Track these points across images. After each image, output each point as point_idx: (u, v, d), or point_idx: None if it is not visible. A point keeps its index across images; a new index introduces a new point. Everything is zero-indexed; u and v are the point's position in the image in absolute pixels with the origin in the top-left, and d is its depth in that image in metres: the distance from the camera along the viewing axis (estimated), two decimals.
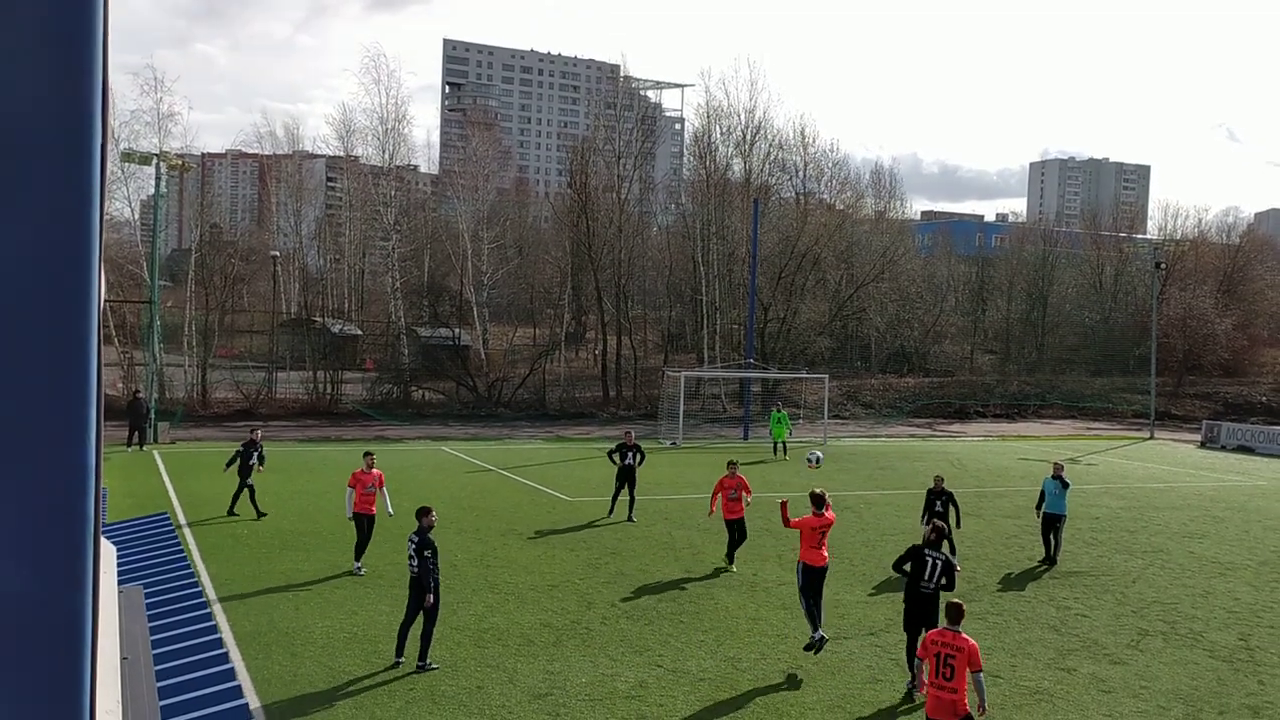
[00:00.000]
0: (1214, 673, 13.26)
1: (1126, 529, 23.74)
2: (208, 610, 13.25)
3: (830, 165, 69.59)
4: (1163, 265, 61.49)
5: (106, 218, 1.88)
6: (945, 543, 12.68)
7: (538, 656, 13.13)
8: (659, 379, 49.88)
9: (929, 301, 72.65)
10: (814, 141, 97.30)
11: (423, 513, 12.90)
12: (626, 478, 22.57)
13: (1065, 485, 19.51)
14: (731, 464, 19.30)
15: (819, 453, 20.91)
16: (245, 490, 21.52)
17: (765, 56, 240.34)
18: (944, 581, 11.98)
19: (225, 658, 11.13)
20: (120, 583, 8.42)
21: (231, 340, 56.94)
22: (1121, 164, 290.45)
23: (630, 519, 22.40)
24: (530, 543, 19.06)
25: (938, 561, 12.05)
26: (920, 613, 12.07)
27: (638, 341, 58.50)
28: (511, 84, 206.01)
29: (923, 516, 18.56)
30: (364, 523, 17.05)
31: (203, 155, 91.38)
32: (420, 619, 12.51)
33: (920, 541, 12.71)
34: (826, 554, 13.45)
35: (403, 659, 12.52)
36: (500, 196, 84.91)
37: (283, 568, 17.33)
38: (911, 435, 46.89)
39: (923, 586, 12.06)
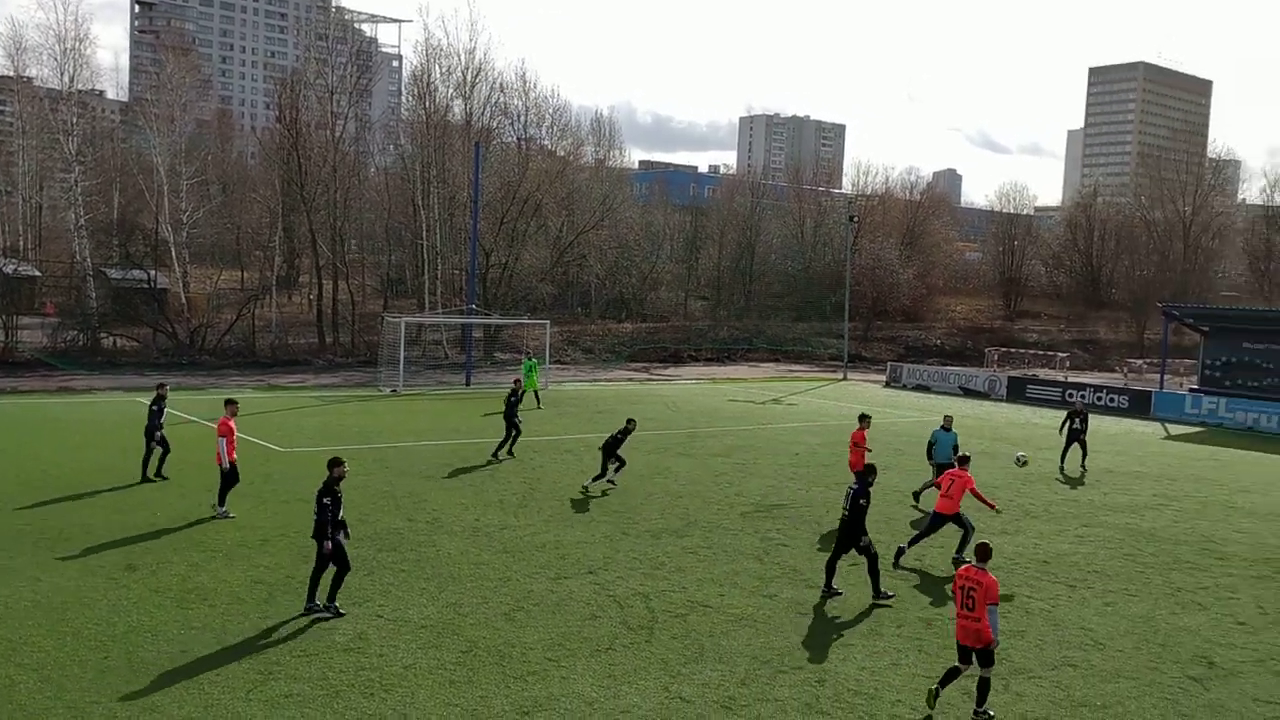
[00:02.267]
0: (893, 591, 14.64)
1: (823, 463, 25.65)
2: None
3: (551, 111, 69.78)
4: (855, 219, 66.23)
5: None
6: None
7: (249, 615, 12.56)
8: (378, 325, 48.54)
9: (646, 249, 74.73)
10: (535, 86, 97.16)
11: (334, 463, 12.82)
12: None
13: (952, 434, 20.76)
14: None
15: (1023, 455, 21.28)
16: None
17: None
18: (851, 508, 14.09)
19: None
20: None
21: None
22: (821, 122, 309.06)
23: None
24: (239, 497, 18.10)
25: (850, 489, 14.37)
26: (841, 535, 14.23)
27: (355, 286, 56.54)
28: (211, 6, 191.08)
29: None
30: (235, 468, 17.77)
31: None
32: (332, 568, 12.67)
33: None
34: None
35: (316, 604, 12.65)
36: (200, 129, 79.07)
37: None
38: (629, 379, 48.32)
39: (843, 513, 14.28)
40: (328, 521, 12.49)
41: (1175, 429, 37.80)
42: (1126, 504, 22.04)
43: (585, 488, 20.82)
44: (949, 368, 55.62)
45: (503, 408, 24.76)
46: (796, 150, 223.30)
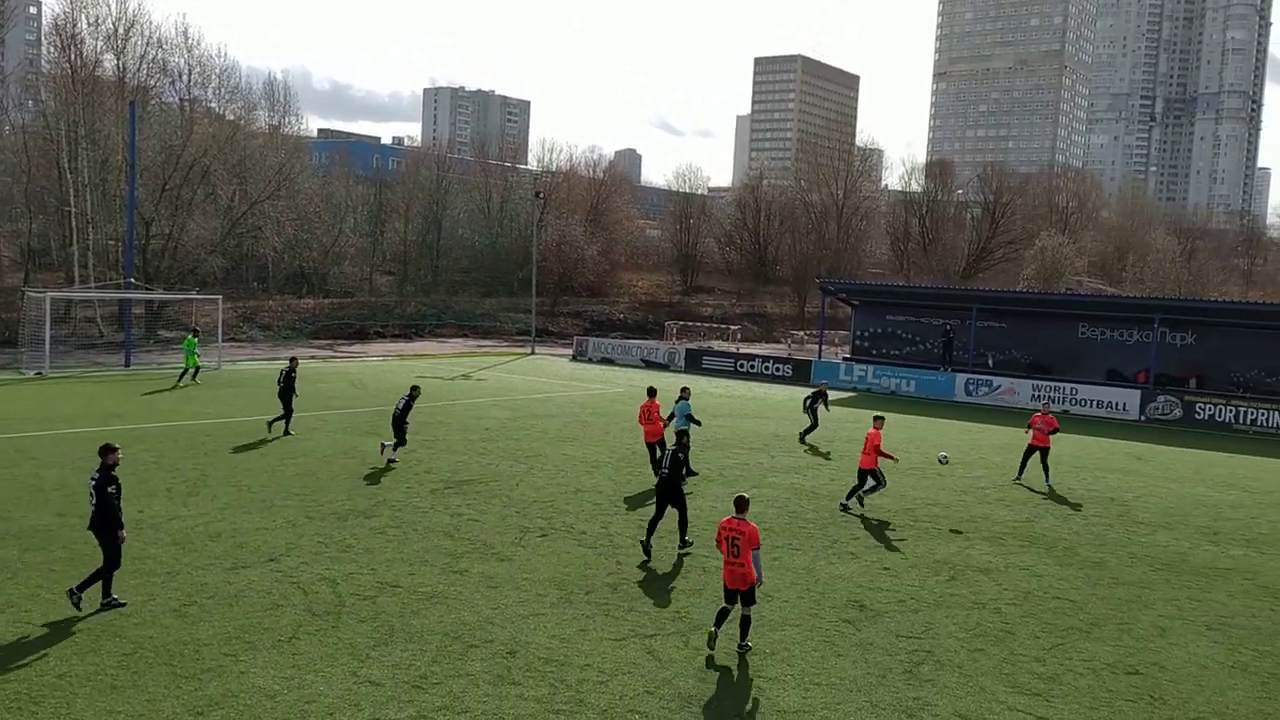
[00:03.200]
0: (582, 559, 15.07)
1: (512, 437, 25.88)
2: None
3: (218, 72, 65.17)
4: (541, 195, 67.03)
5: None
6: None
7: None
8: (19, 301, 43.51)
9: (328, 222, 71.79)
10: (199, 44, 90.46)
11: (108, 449, 12.28)
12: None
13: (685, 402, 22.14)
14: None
15: (945, 455, 22.49)
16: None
17: None
18: (668, 467, 15.49)
19: None
20: None
21: None
22: (507, 98, 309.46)
23: None
24: None
25: (668, 453, 15.83)
26: (659, 493, 15.54)
27: None
28: None
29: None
30: None
31: None
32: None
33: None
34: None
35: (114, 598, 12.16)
36: None
37: None
38: (312, 357, 46.37)
39: (661, 473, 15.75)
40: (119, 511, 12.10)
41: (832, 394, 41.30)
42: (791, 465, 23.88)
43: (389, 458, 21.54)
44: (632, 341, 57.71)
45: (277, 387, 25.03)
46: (483, 125, 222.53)
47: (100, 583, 12.11)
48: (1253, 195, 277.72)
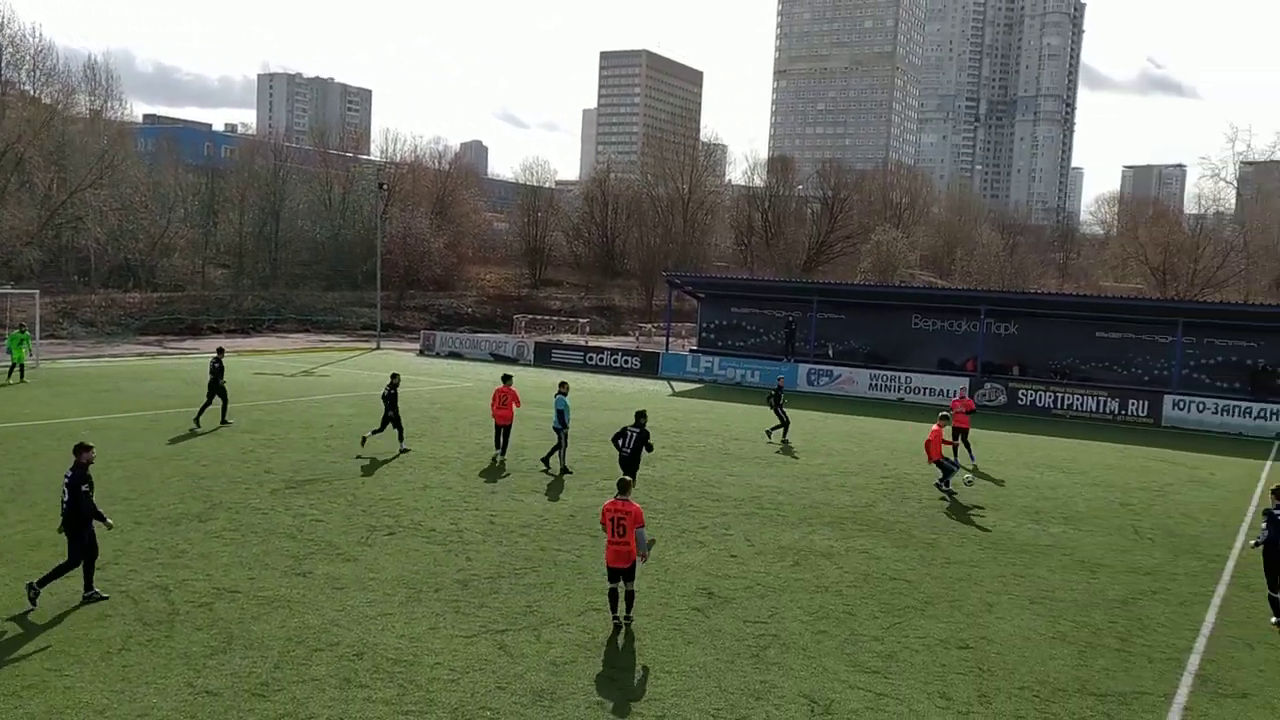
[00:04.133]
0: (431, 556, 14.85)
1: (356, 434, 25.20)
2: None
3: (32, 53, 61.18)
4: (385, 186, 65.58)
5: None
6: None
7: None
8: None
9: (155, 212, 68.40)
10: (10, 23, 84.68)
11: (83, 448, 12.55)
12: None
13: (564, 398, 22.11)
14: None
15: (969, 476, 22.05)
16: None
17: None
18: (634, 447, 18.40)
19: None
20: None
21: None
22: (347, 86, 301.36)
23: None
24: None
25: (632, 433, 18.49)
26: (625, 467, 18.24)
27: None
28: None
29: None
30: None
31: None
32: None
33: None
34: None
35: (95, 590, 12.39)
36: None
37: None
38: (140, 354, 44.14)
39: (622, 450, 18.44)
40: (93, 507, 12.31)
41: (680, 386, 41.97)
42: (641, 456, 24.07)
43: (402, 447, 22.87)
44: (480, 335, 57.17)
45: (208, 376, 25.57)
46: (322, 113, 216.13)
47: (55, 573, 12.25)
48: (1067, 193, 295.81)
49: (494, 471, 21.30)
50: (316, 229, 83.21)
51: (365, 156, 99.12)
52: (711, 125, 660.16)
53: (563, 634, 11.93)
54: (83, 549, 12.28)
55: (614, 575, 12.15)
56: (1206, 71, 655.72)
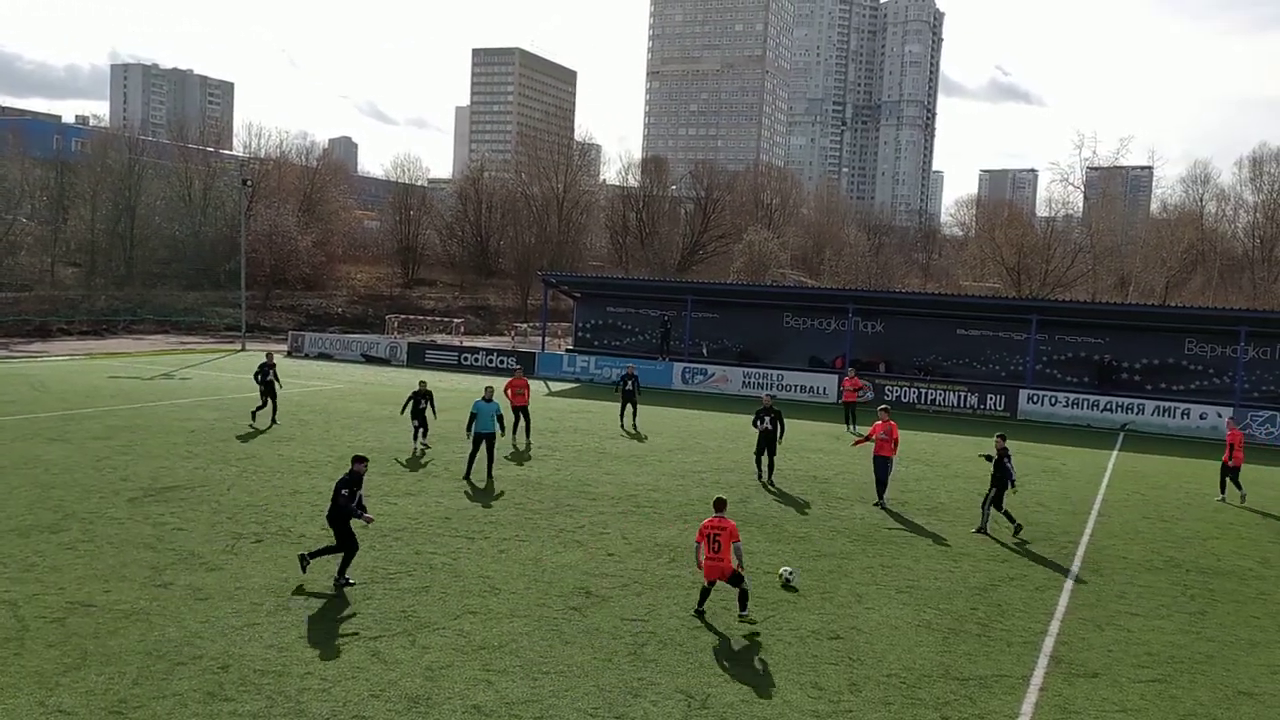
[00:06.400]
0: (318, 563, 14.46)
1: (220, 439, 24.40)
2: None
3: None
4: (249, 182, 63.48)
5: None
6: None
7: None
8: None
9: (0, 208, 64.67)
10: None
11: (359, 460, 13.93)
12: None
13: (493, 404, 21.33)
14: None
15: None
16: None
17: None
18: (775, 425, 21.92)
19: None
20: None
21: None
22: (207, 78, 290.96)
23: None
24: None
25: (765, 416, 21.88)
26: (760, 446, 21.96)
27: None
28: None
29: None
30: None
31: None
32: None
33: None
34: None
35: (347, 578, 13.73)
36: None
37: None
38: None
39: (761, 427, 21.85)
40: (349, 504, 13.46)
41: (556, 385, 41.88)
42: (516, 457, 23.96)
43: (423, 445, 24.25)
44: (351, 335, 55.94)
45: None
46: (180, 106, 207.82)
47: (332, 558, 13.80)
48: (928, 196, 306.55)
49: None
50: (176, 226, 80.00)
51: (227, 151, 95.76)
52: (586, 125, 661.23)
53: (438, 638, 11.76)
54: (350, 537, 13.66)
55: (705, 593, 13.01)
56: (1051, 80, 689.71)
